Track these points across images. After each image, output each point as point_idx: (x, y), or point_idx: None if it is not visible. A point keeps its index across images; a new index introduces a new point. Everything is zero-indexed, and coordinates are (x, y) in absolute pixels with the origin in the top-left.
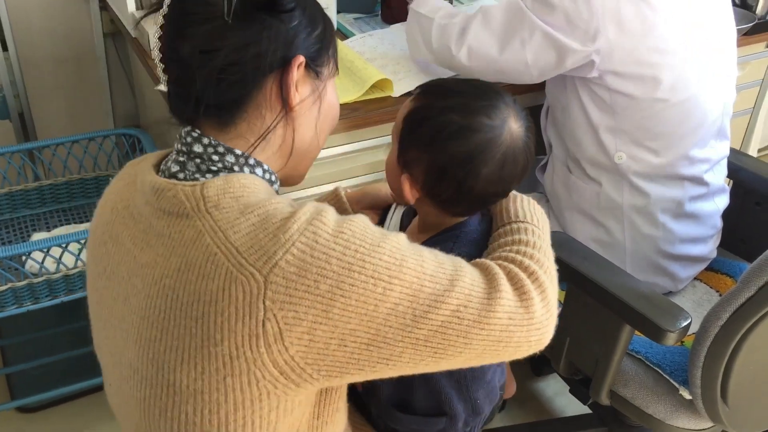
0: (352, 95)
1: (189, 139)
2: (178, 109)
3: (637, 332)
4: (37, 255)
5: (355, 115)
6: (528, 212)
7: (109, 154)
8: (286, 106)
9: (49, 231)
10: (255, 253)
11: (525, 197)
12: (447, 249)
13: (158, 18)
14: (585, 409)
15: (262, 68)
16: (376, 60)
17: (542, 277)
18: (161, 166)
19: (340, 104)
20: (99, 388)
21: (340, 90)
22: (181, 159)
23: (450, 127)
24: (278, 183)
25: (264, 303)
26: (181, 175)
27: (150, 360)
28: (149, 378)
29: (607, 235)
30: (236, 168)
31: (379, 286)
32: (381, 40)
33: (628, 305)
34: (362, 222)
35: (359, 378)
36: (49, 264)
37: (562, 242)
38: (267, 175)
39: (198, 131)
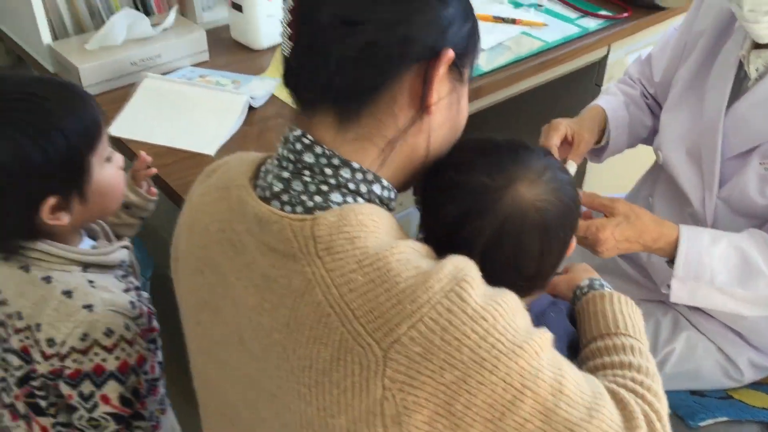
0: None
1: (299, 146)
2: (298, 88)
3: None
4: None
5: None
6: (629, 320)
7: None
8: (423, 105)
9: None
10: (374, 321)
11: (619, 297)
12: None
13: None
14: None
15: (408, 55)
16: None
17: (665, 419)
18: (259, 179)
19: None
20: None
21: None
22: (286, 175)
23: (441, 183)
24: (396, 200)
25: (383, 381)
26: (285, 197)
27: (274, 415)
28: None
29: None
30: (351, 185)
31: (509, 392)
32: None
33: None
34: (511, 306)
35: None
36: None
37: None
38: (386, 193)
39: (310, 138)
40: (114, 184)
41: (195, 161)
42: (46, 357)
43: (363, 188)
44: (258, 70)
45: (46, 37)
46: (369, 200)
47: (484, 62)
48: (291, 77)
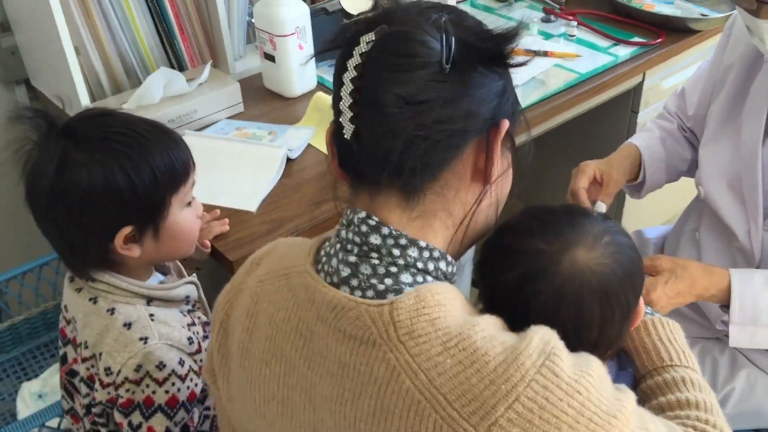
0: None
1: (364, 228)
2: (361, 169)
3: None
4: None
5: None
6: (677, 347)
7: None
8: (487, 178)
9: (37, 377)
10: (469, 405)
11: (653, 322)
12: None
13: (354, 58)
14: None
15: (471, 129)
16: None
17: None
18: (320, 264)
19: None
20: None
21: None
22: (352, 259)
23: (500, 249)
24: (456, 273)
25: None
26: (354, 282)
27: None
28: None
29: None
30: (419, 264)
31: None
32: None
33: None
34: (599, 374)
35: None
36: None
37: None
38: (450, 268)
39: (376, 219)
40: (188, 228)
41: (237, 219)
42: (104, 385)
43: (431, 266)
44: (293, 119)
45: (84, 98)
46: (436, 277)
47: (518, 98)
48: (352, 159)
